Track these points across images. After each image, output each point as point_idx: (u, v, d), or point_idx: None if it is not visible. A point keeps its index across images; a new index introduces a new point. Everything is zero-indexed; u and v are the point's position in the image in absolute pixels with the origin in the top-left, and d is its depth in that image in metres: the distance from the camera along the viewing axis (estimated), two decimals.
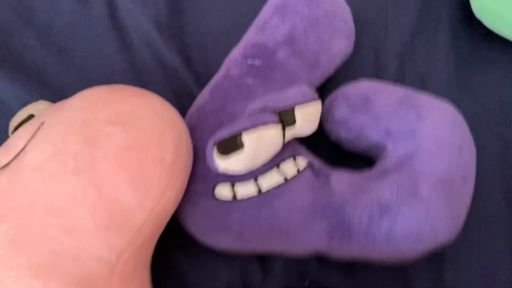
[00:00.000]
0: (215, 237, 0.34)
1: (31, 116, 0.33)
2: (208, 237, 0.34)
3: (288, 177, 0.33)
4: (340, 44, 0.39)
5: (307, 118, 0.32)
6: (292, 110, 0.32)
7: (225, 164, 0.30)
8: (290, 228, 0.32)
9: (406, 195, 0.33)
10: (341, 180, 0.35)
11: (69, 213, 0.26)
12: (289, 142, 0.34)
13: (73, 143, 0.28)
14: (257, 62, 0.37)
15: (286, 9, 0.38)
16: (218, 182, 0.33)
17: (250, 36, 0.39)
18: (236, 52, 0.39)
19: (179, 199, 0.32)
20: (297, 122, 0.32)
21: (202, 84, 0.41)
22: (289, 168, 0.34)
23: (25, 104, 0.37)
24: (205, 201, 0.33)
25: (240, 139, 0.29)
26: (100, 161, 0.27)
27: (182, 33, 0.48)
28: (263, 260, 0.39)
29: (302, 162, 0.35)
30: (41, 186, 0.27)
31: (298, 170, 0.34)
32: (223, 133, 0.30)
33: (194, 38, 0.48)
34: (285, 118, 0.31)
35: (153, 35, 0.47)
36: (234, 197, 0.32)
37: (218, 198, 0.33)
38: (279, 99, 0.32)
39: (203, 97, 0.38)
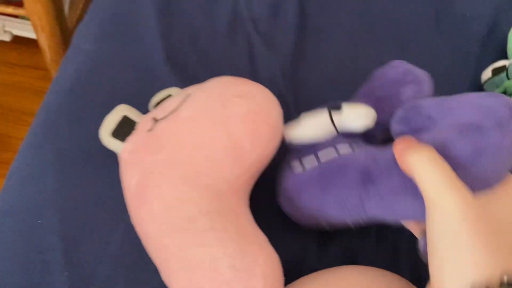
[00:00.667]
0: (294, 204, 0.44)
1: (169, 96, 0.48)
2: (288, 204, 0.45)
3: (341, 153, 0.43)
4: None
5: (353, 110, 0.43)
6: (340, 104, 0.44)
7: (287, 132, 0.44)
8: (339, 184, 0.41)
9: None
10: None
11: (209, 147, 0.40)
12: (351, 137, 0.44)
13: (213, 105, 0.42)
14: None
15: None
16: (292, 159, 0.45)
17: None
18: None
19: (272, 155, 0.44)
20: (343, 111, 0.43)
21: None
22: (344, 148, 0.43)
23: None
24: (287, 175, 0.45)
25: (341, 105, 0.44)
26: (231, 118, 0.41)
27: (297, 84, 0.60)
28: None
29: (358, 149, 0.43)
30: (190, 129, 0.41)
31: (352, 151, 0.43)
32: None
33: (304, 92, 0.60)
34: (331, 106, 0.44)
35: (277, 76, 0.59)
36: (302, 165, 0.44)
37: (295, 172, 0.44)
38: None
39: None
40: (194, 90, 0.45)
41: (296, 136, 0.44)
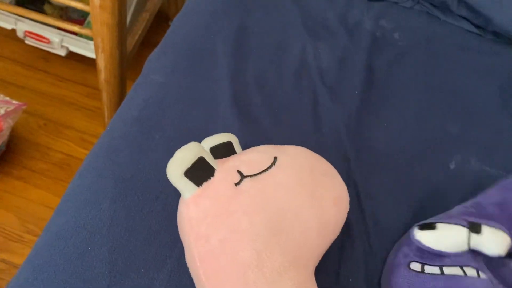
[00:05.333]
0: None
1: (228, 141, 0.49)
2: None
3: (468, 274, 0.44)
4: None
5: (491, 236, 0.45)
6: (479, 225, 0.46)
7: (420, 234, 0.47)
8: None
9: None
10: None
11: (305, 223, 0.42)
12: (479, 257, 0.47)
13: (306, 179, 0.45)
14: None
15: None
16: (413, 261, 0.47)
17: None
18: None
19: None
20: (482, 234, 0.45)
21: None
22: (470, 271, 0.44)
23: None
24: (402, 270, 0.47)
25: (435, 225, 0.47)
26: (324, 199, 0.44)
27: (360, 141, 0.60)
28: None
29: (484, 275, 0.45)
30: (288, 199, 0.43)
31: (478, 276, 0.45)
32: (428, 220, 0.49)
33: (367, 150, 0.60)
34: (472, 227, 0.46)
35: (341, 129, 0.59)
36: (422, 271, 0.46)
37: (411, 269, 0.47)
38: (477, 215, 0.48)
39: None
40: (279, 155, 0.46)
41: (428, 242, 0.47)
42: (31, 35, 1.18)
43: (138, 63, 1.24)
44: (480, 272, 0.45)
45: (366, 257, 0.50)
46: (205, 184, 0.42)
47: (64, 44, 1.18)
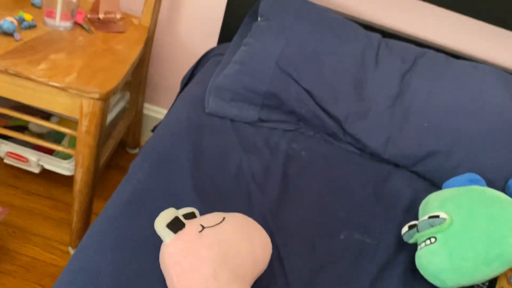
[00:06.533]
0: None
1: (193, 212, 0.74)
2: None
3: None
4: None
5: None
6: None
7: None
8: None
9: None
10: None
11: (242, 253, 0.68)
12: None
13: (244, 229, 0.73)
14: None
15: None
16: None
17: None
18: None
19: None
20: None
21: None
22: None
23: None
24: None
25: None
26: (255, 242, 0.71)
27: (281, 220, 0.89)
28: None
29: None
30: (234, 240, 0.69)
31: None
32: None
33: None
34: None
35: (266, 213, 0.89)
36: None
37: None
38: None
39: None
40: (226, 216, 0.72)
41: None
42: (12, 155, 1.41)
43: (103, 182, 1.49)
44: None
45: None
46: (179, 232, 0.67)
47: (40, 162, 1.42)
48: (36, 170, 1.43)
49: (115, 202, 0.79)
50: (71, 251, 1.36)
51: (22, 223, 1.40)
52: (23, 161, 1.42)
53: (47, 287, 1.26)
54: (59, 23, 1.27)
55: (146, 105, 1.77)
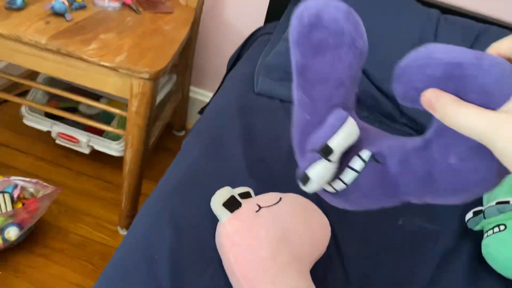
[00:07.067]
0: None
1: (248, 191, 0.72)
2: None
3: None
4: None
5: (341, 141, 0.40)
6: (326, 145, 0.40)
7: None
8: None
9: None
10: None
11: (299, 234, 0.66)
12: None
13: (301, 211, 0.70)
14: None
15: None
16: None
17: None
18: None
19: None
20: (334, 150, 0.40)
21: None
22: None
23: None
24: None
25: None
26: (313, 223, 0.69)
27: None
28: None
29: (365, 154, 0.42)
30: (292, 220, 0.67)
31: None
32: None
33: None
34: (323, 151, 0.41)
35: None
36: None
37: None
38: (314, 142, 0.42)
39: None
40: (283, 196, 0.71)
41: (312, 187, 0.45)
42: (63, 136, 1.44)
43: (151, 164, 1.50)
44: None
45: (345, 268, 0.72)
46: (236, 211, 0.65)
47: (90, 143, 1.44)
48: (86, 151, 1.45)
49: (169, 180, 0.78)
50: (120, 231, 1.38)
51: (73, 202, 1.42)
52: (74, 142, 1.44)
53: (97, 265, 1.28)
54: (108, 3, 1.27)
55: (192, 87, 1.76)
